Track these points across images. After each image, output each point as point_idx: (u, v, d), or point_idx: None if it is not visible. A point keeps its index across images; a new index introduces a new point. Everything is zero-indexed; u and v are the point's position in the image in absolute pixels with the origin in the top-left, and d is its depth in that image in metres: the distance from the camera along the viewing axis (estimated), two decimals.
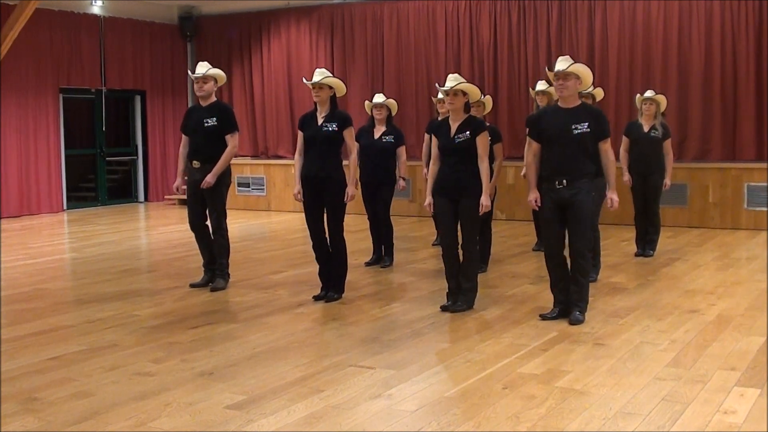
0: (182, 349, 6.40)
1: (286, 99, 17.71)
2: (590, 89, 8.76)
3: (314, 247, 8.14)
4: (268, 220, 15.42)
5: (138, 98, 18.25)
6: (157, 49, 18.21)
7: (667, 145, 10.40)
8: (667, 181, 10.42)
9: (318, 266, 8.20)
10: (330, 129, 7.86)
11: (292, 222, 14.71)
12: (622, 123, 14.18)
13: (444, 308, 7.63)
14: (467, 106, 7.54)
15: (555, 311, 7.21)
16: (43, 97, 16.18)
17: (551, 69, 7.11)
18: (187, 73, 18.69)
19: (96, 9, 16.99)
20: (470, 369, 5.80)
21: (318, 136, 7.87)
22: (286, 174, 16.61)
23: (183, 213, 16.24)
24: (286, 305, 7.96)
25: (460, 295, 7.62)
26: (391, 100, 10.16)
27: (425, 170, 9.57)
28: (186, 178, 8.79)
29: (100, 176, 17.74)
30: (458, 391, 5.33)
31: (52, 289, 9.01)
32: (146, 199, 18.39)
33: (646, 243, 10.55)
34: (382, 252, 10.00)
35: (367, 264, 9.95)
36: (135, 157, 18.40)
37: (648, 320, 7.15)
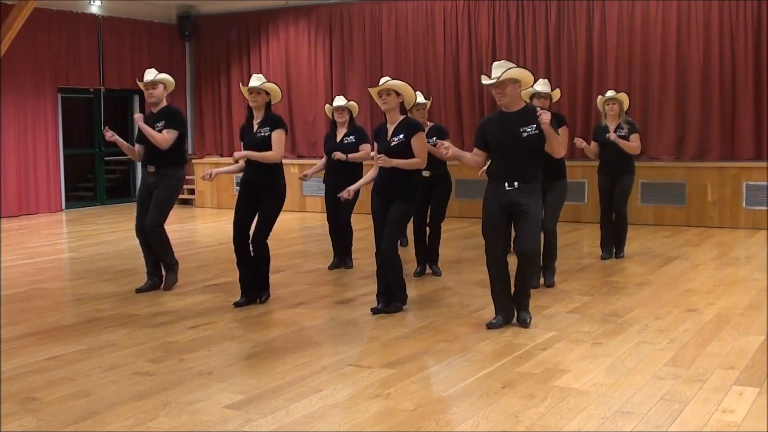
0: (181, 349, 6.40)
1: (284, 99, 17.64)
2: (544, 89, 8.69)
3: (237, 251, 7.90)
4: None
5: (136, 98, 18.21)
6: (156, 49, 18.20)
7: (634, 137, 10.10)
8: (612, 135, 10.03)
9: (239, 272, 7.98)
10: (264, 134, 7.73)
11: (290, 222, 14.70)
12: None
13: (374, 311, 7.48)
14: (403, 108, 7.40)
15: (500, 319, 6.96)
16: (41, 97, 16.17)
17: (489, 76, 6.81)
18: (186, 72, 18.77)
19: (94, 9, 16.98)
20: (469, 368, 5.80)
21: (255, 143, 7.73)
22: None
23: (181, 213, 16.29)
24: (283, 305, 7.96)
25: (390, 296, 7.54)
26: (353, 103, 10.04)
27: None
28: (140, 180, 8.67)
29: (98, 176, 17.74)
30: (457, 391, 5.32)
31: (51, 289, 9.01)
32: None
33: (616, 244, 10.35)
34: (341, 255, 9.92)
35: (330, 268, 9.83)
36: None
37: (646, 319, 7.15)
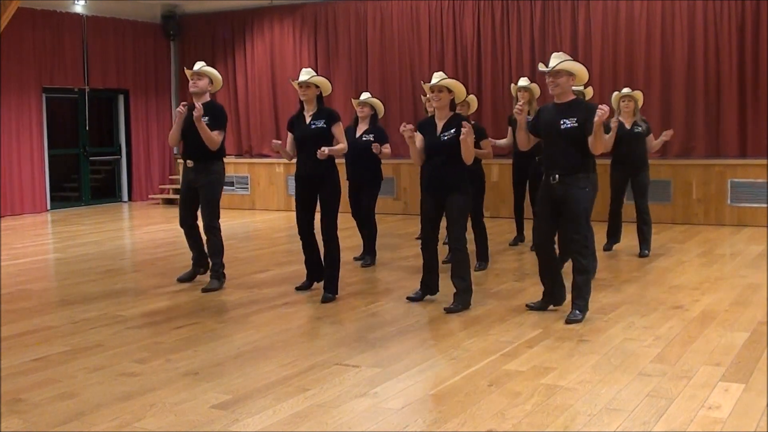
0: (167, 349, 6.38)
1: (269, 98, 17.68)
2: (581, 87, 8.81)
3: (303, 244, 8.32)
4: (252, 219, 15.39)
5: (121, 97, 18.19)
6: (141, 49, 18.16)
7: (651, 138, 10.41)
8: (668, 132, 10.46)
9: (305, 257, 8.41)
10: (318, 126, 7.95)
11: (277, 221, 14.69)
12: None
13: (410, 298, 7.80)
14: (453, 104, 7.54)
15: (544, 301, 7.40)
16: (26, 97, 16.10)
17: (546, 65, 7.12)
18: (171, 72, 18.73)
19: (79, 8, 16.91)
20: (455, 366, 5.81)
21: (307, 134, 7.96)
22: (269, 173, 16.59)
23: (167, 212, 16.22)
24: (271, 304, 7.95)
25: (455, 296, 7.54)
26: (376, 100, 10.08)
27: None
28: (181, 176, 8.76)
29: (83, 176, 17.67)
30: (444, 389, 5.33)
31: (36, 290, 8.97)
32: (130, 198, 18.33)
33: (641, 241, 10.37)
34: (367, 250, 10.01)
35: (356, 259, 10.06)
36: (118, 157, 18.34)
37: (633, 316, 7.17)
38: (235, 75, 18.13)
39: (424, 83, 7.72)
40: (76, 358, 6.19)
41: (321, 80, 8.10)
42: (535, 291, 8.16)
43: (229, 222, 14.65)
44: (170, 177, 18.57)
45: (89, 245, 12.11)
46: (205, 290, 8.54)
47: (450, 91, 7.46)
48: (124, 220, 15.65)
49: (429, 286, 7.81)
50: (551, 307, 7.37)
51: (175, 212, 16.50)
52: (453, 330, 6.84)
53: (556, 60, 7.01)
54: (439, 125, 7.47)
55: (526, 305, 7.46)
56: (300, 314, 7.57)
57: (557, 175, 7.00)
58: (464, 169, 7.45)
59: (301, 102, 8.11)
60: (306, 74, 8.00)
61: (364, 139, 9.76)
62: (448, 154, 7.38)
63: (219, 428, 4.71)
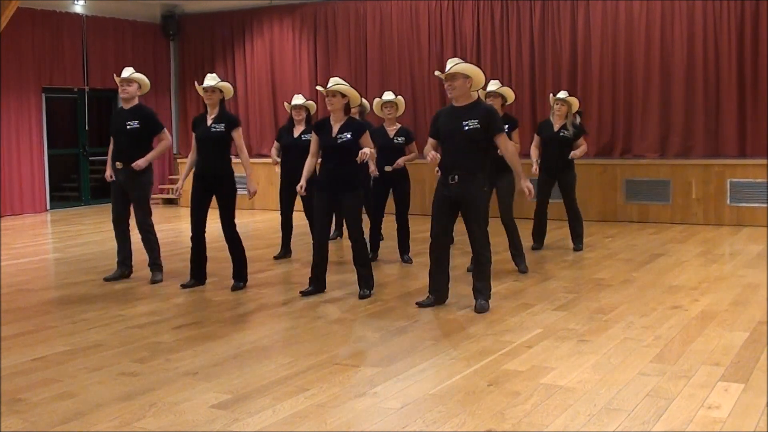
0: (167, 349, 6.38)
1: (269, 97, 17.68)
2: (496, 87, 9.07)
3: (193, 238, 8.67)
4: (251, 218, 15.38)
5: (120, 98, 18.14)
6: (140, 48, 18.15)
7: (579, 143, 10.48)
8: (576, 152, 10.38)
9: (193, 257, 8.73)
10: (218, 130, 8.41)
11: (276, 221, 14.61)
12: (605, 121, 14.28)
13: (303, 293, 8.17)
14: (347, 108, 7.94)
15: (431, 298, 7.62)
16: (25, 97, 16.10)
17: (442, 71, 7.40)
18: (170, 72, 18.74)
19: (78, 8, 16.91)
20: (455, 366, 5.81)
21: (207, 137, 8.42)
22: (269, 172, 16.55)
23: (167, 212, 16.26)
24: (270, 304, 7.96)
25: (362, 279, 8.12)
26: (311, 102, 10.59)
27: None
28: (113, 178, 9.10)
29: (83, 176, 17.67)
30: (443, 389, 5.33)
31: (36, 290, 8.97)
32: None
33: (574, 237, 10.74)
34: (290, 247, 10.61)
35: (276, 258, 10.43)
36: None
37: (632, 316, 7.18)
38: (235, 75, 18.12)
39: (323, 87, 8.12)
40: (76, 357, 6.19)
41: (225, 85, 8.60)
42: (536, 291, 8.19)
43: None
44: (170, 177, 18.57)
45: (89, 245, 12.12)
46: (153, 282, 8.96)
47: (344, 96, 7.91)
48: None
49: (319, 283, 8.24)
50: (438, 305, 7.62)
51: (175, 212, 16.58)
52: (452, 329, 6.84)
53: (451, 64, 7.28)
54: (335, 128, 7.94)
55: (417, 303, 7.67)
56: (299, 314, 7.57)
57: (457, 176, 7.25)
58: (358, 169, 7.93)
59: (206, 105, 8.52)
60: (211, 79, 8.46)
61: (303, 139, 10.06)
62: (342, 156, 7.86)
63: (219, 428, 4.71)
